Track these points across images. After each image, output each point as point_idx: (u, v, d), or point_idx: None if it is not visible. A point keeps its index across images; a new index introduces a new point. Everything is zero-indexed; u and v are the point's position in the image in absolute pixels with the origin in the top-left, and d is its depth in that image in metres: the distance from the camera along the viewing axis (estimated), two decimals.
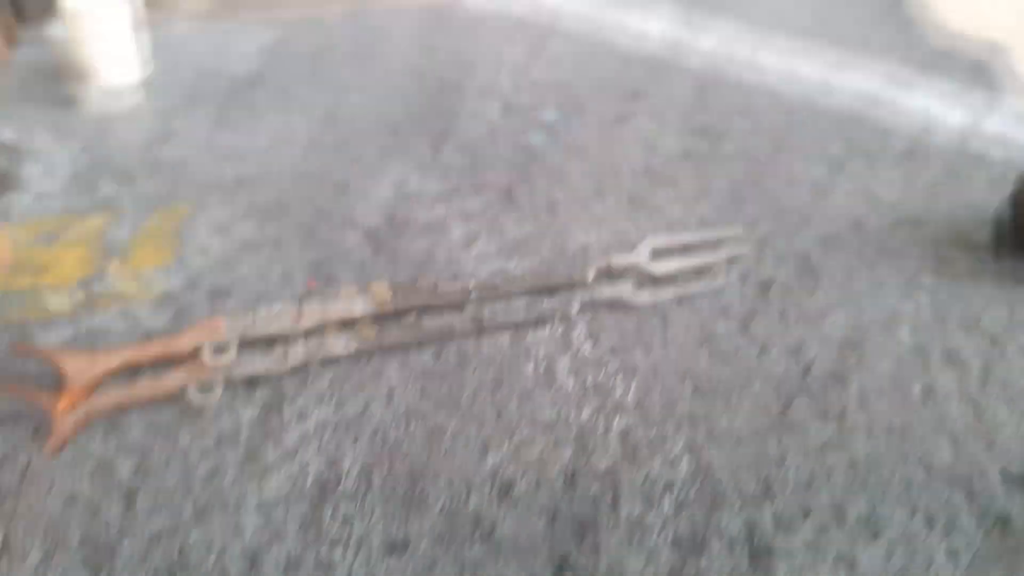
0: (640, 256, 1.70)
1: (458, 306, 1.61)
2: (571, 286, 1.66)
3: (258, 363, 1.50)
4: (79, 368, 1.47)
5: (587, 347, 1.53)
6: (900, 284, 1.65)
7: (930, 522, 1.25)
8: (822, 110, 2.34)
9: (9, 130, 2.27)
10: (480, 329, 1.56)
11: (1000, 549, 1.21)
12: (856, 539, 1.23)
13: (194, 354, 1.51)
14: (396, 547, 1.22)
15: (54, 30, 2.65)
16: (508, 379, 1.45)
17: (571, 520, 1.25)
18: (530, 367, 1.48)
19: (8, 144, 2.26)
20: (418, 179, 2.09)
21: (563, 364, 1.48)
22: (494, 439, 1.36)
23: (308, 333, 1.55)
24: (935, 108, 2.35)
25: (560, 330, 1.57)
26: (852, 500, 1.27)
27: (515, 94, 2.52)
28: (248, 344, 1.53)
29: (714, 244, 1.75)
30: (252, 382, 1.48)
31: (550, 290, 1.66)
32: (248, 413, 1.42)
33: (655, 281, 1.67)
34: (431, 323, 1.58)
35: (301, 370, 1.49)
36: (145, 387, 1.46)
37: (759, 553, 1.20)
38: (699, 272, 1.69)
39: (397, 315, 1.59)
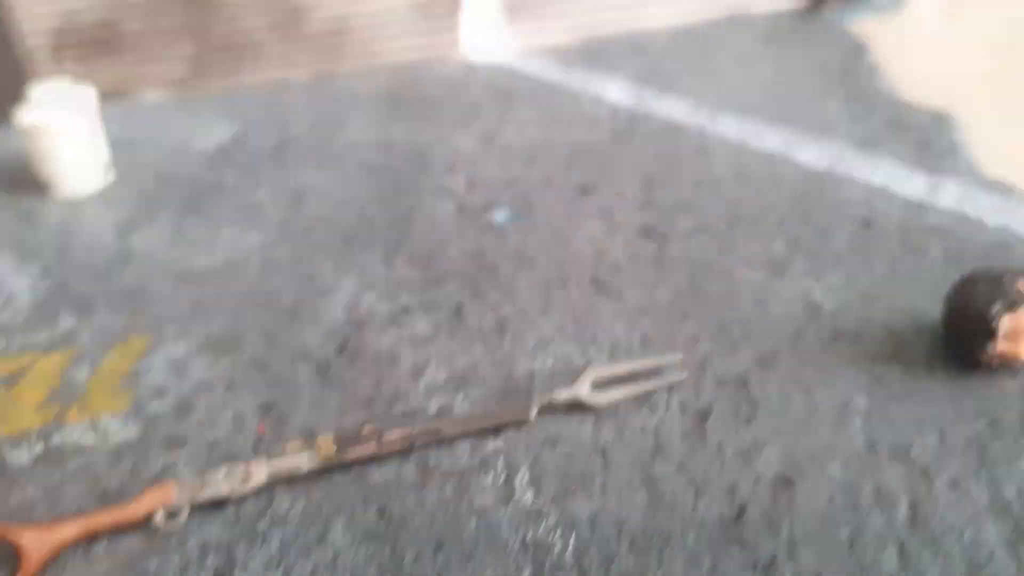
0: (582, 388, 1.75)
1: (404, 452, 1.66)
2: (518, 423, 1.71)
3: (211, 527, 1.54)
4: (35, 541, 1.52)
5: (529, 496, 1.57)
6: (835, 408, 1.70)
7: None
8: (769, 199, 2.38)
9: None
10: (424, 480, 1.60)
11: None
12: None
13: (147, 519, 1.55)
14: None
15: (13, 141, 2.69)
16: (450, 539, 1.50)
17: None
18: (472, 523, 1.52)
19: None
20: (371, 298, 2.13)
21: (505, 518, 1.53)
22: None
23: (258, 492, 1.60)
24: (887, 182, 2.38)
25: (503, 476, 1.61)
26: None
27: (468, 192, 2.57)
28: (198, 507, 1.58)
29: (654, 371, 1.79)
30: (204, 548, 1.52)
31: (495, 430, 1.71)
32: None
33: (596, 413, 1.72)
34: (376, 476, 1.63)
35: (251, 532, 1.54)
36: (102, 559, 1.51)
37: None
38: (639, 401, 1.74)
39: (343, 468, 1.64)
